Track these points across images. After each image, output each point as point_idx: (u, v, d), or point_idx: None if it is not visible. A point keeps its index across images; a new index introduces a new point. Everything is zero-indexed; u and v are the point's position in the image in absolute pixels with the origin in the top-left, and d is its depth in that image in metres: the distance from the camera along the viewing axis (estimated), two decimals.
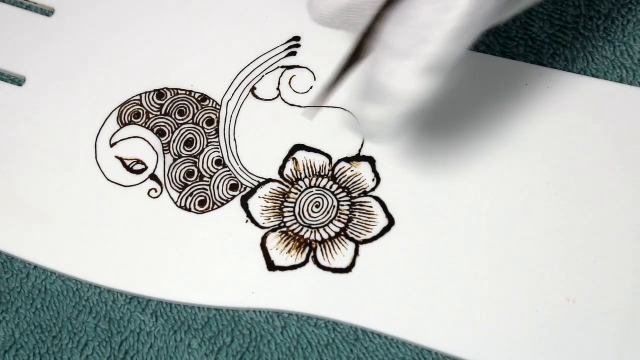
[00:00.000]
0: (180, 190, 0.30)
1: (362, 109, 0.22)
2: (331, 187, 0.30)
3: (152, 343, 0.29)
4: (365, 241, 0.29)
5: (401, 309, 0.28)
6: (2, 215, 0.30)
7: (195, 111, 0.31)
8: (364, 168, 0.30)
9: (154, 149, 0.31)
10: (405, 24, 0.20)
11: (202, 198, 0.30)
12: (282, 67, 0.32)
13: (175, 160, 0.30)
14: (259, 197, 0.30)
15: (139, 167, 0.30)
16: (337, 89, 0.24)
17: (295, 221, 0.29)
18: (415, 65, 0.20)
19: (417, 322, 0.28)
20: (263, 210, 0.30)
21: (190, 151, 0.31)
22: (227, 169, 0.30)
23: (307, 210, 0.30)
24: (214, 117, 0.31)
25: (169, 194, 0.30)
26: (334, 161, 0.30)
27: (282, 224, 0.29)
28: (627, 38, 0.32)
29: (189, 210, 0.30)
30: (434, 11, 0.19)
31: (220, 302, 0.28)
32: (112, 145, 0.31)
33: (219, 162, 0.30)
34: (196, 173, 0.30)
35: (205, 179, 0.30)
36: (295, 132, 0.31)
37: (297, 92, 0.31)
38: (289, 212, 0.30)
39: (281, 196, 0.30)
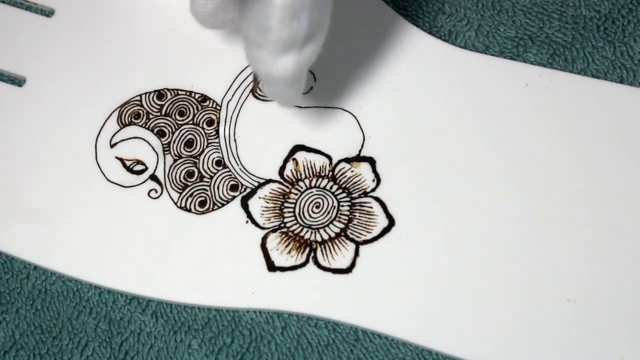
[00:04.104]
0: (180, 191, 0.30)
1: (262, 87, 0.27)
2: (331, 187, 0.30)
3: (152, 343, 0.29)
4: (365, 241, 0.29)
5: (401, 309, 0.28)
6: (2, 215, 0.30)
7: (195, 112, 0.31)
8: (364, 168, 0.30)
9: (154, 149, 0.31)
10: (251, 18, 0.23)
11: (202, 198, 0.30)
12: None
13: (175, 160, 0.30)
14: (259, 198, 0.30)
15: (139, 167, 0.30)
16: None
17: (295, 221, 0.29)
18: (267, 52, 0.24)
19: (417, 322, 0.28)
20: (263, 210, 0.30)
21: (190, 152, 0.31)
22: (227, 170, 0.30)
23: (307, 211, 0.30)
24: (214, 117, 0.31)
25: (169, 195, 0.30)
26: (334, 161, 0.30)
27: (282, 225, 0.29)
28: (627, 38, 0.32)
29: (189, 210, 0.30)
30: (263, 7, 0.22)
31: (220, 302, 0.28)
32: (112, 146, 0.31)
33: (219, 163, 0.30)
34: (196, 173, 0.30)
35: (205, 179, 0.30)
36: (295, 132, 0.31)
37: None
38: (289, 212, 0.30)
39: (281, 196, 0.30)
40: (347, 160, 0.30)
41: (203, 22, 0.27)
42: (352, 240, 0.29)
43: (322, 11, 0.23)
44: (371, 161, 0.30)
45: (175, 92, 0.31)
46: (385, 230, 0.29)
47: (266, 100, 0.31)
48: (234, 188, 0.30)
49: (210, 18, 0.27)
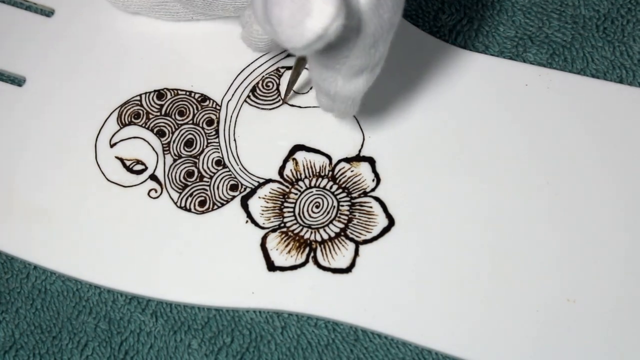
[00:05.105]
0: (180, 191, 0.30)
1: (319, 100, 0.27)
2: (331, 187, 0.30)
3: (152, 343, 0.29)
4: (365, 241, 0.29)
5: (401, 309, 0.28)
6: (2, 215, 0.30)
7: (195, 111, 0.31)
8: (364, 168, 0.30)
9: (154, 149, 0.31)
10: (326, 49, 0.23)
11: (202, 198, 0.30)
12: (282, 67, 0.32)
13: (175, 160, 0.30)
14: (259, 198, 0.30)
15: (139, 167, 0.30)
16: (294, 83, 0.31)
17: (295, 221, 0.29)
18: (341, 75, 0.24)
19: (417, 322, 0.28)
20: (263, 210, 0.30)
21: (190, 151, 0.31)
22: (227, 169, 0.30)
23: (307, 211, 0.30)
24: (213, 117, 0.31)
25: (169, 194, 0.30)
26: (334, 161, 0.30)
27: (282, 224, 0.29)
28: (627, 38, 0.32)
29: (189, 210, 0.30)
30: (345, 40, 0.23)
31: (220, 302, 0.28)
32: (112, 146, 0.31)
33: (219, 163, 0.30)
34: (196, 173, 0.30)
35: (205, 179, 0.30)
36: (295, 132, 0.31)
37: (297, 92, 0.31)
38: (288, 212, 0.30)
39: (281, 196, 0.30)
40: (347, 160, 0.30)
41: (256, 50, 0.28)
42: (352, 240, 0.29)
43: (393, 32, 0.24)
44: (371, 161, 0.30)
45: (175, 92, 0.31)
46: (385, 230, 0.29)
47: (261, 108, 0.31)
48: (233, 188, 0.30)
49: (265, 45, 0.28)
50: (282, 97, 0.31)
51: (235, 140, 0.31)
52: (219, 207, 0.30)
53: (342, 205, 0.30)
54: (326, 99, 0.26)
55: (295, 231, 0.29)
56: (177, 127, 0.31)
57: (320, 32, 0.20)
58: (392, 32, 0.23)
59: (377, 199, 0.30)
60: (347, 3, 0.21)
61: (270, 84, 0.31)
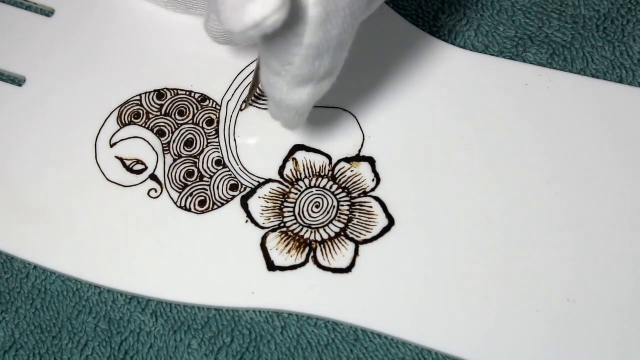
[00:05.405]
0: (180, 191, 0.30)
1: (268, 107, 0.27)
2: (331, 187, 0.30)
3: (152, 343, 0.29)
4: (365, 241, 0.29)
5: (401, 309, 0.28)
6: (2, 215, 0.30)
7: (195, 111, 0.31)
8: (364, 168, 0.30)
9: (154, 149, 0.31)
10: (274, 50, 0.23)
11: (202, 198, 0.30)
12: None
13: (175, 160, 0.30)
14: (259, 197, 0.30)
15: (139, 167, 0.30)
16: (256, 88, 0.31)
17: (295, 221, 0.29)
18: (285, 82, 0.24)
19: (417, 322, 0.28)
20: (263, 210, 0.30)
21: (190, 151, 0.31)
22: (227, 169, 0.30)
23: (307, 211, 0.30)
24: (213, 117, 0.31)
25: (169, 194, 0.30)
26: (334, 161, 0.30)
27: (282, 224, 0.29)
28: (627, 38, 0.32)
29: (189, 210, 0.30)
30: (290, 45, 0.23)
31: (220, 302, 0.28)
32: (112, 146, 0.31)
33: (219, 163, 0.30)
34: (196, 173, 0.30)
35: (205, 179, 0.30)
36: (295, 132, 0.31)
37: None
38: (289, 212, 0.30)
39: (281, 196, 0.30)
40: (347, 160, 0.30)
41: (216, 40, 0.28)
42: (352, 239, 0.29)
43: (343, 51, 0.24)
44: (371, 161, 0.30)
45: (175, 92, 0.31)
46: (385, 230, 0.29)
47: (261, 108, 0.31)
48: (234, 188, 0.30)
49: (223, 37, 0.28)
50: (245, 101, 0.31)
51: (235, 140, 0.31)
52: (219, 207, 0.30)
53: (342, 205, 0.30)
54: (273, 106, 0.26)
55: (295, 231, 0.29)
56: (177, 127, 0.31)
57: (258, 20, 0.20)
58: (341, 50, 0.23)
59: (377, 199, 0.30)
60: (295, 4, 0.21)
61: None
